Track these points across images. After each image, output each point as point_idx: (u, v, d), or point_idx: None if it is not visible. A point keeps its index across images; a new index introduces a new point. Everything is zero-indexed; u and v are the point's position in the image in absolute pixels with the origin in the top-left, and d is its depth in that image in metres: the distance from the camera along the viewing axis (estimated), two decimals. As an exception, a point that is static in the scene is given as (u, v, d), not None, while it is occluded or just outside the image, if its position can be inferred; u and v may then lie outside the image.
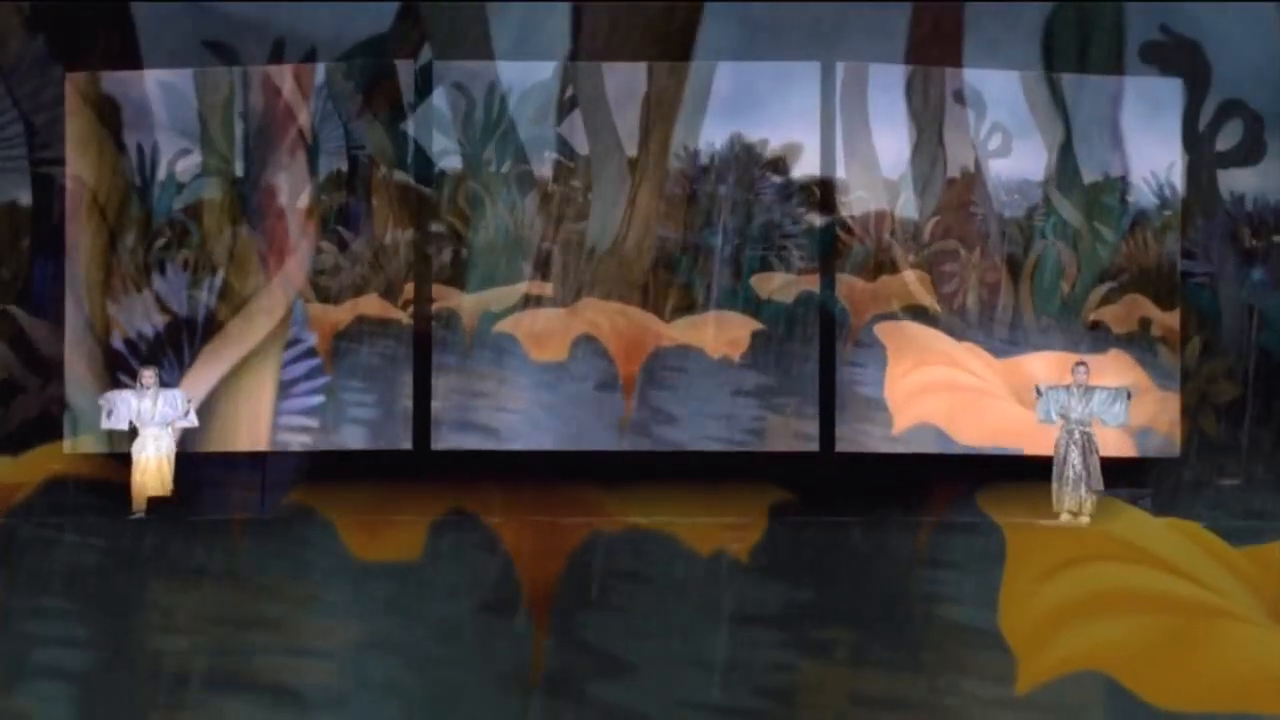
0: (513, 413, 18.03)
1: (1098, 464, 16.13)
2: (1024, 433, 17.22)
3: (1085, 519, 16.00)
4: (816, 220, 17.96)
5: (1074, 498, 16.07)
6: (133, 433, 16.61)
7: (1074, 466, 16.05)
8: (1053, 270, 18.14)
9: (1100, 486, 16.05)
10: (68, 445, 18.11)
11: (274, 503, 17.62)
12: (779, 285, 17.92)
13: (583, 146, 18.16)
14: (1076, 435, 16.11)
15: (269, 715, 14.79)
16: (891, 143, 17.99)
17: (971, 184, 18.03)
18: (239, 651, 14.92)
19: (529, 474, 17.17)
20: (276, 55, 18.36)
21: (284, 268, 18.30)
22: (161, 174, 18.46)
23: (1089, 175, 18.14)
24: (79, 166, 18.43)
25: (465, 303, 18.13)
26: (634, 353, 17.96)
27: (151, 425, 16.39)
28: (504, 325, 18.08)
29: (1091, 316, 18.13)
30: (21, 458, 17.99)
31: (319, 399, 18.10)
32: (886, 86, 17.97)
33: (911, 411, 17.85)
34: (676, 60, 17.94)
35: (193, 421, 16.65)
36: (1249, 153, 18.08)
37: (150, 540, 15.42)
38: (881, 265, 17.95)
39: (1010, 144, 18.08)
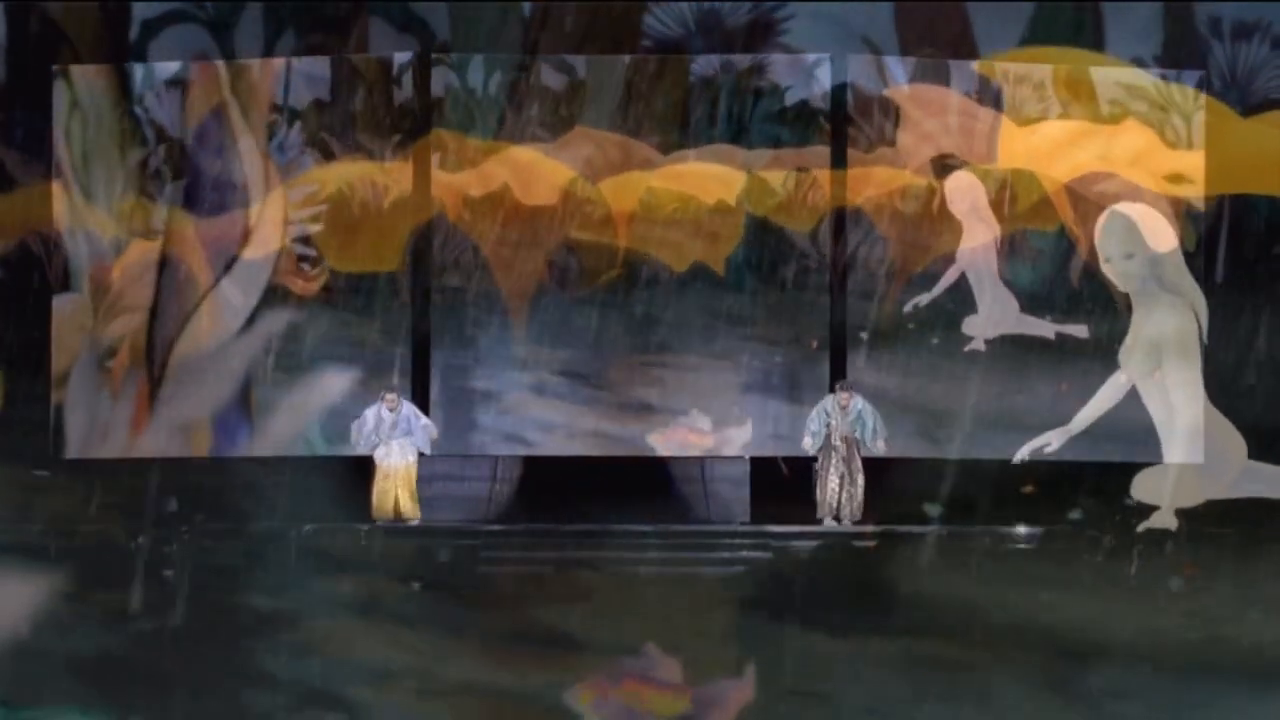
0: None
1: (860, 472, 17.14)
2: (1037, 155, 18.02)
3: (847, 523, 17.07)
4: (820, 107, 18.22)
5: (832, 505, 17.13)
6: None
7: (833, 475, 17.13)
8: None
9: (858, 514, 17.07)
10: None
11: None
12: (770, 160, 18.19)
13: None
14: (838, 444, 17.17)
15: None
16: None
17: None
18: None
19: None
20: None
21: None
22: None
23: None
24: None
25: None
26: (626, 192, 18.21)
27: (394, 438, 17.28)
28: (488, 163, 18.18)
29: None
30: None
31: (318, 227, 18.36)
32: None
33: (924, 152, 18.21)
34: (626, 53, 18.17)
35: (424, 443, 17.37)
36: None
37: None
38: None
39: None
